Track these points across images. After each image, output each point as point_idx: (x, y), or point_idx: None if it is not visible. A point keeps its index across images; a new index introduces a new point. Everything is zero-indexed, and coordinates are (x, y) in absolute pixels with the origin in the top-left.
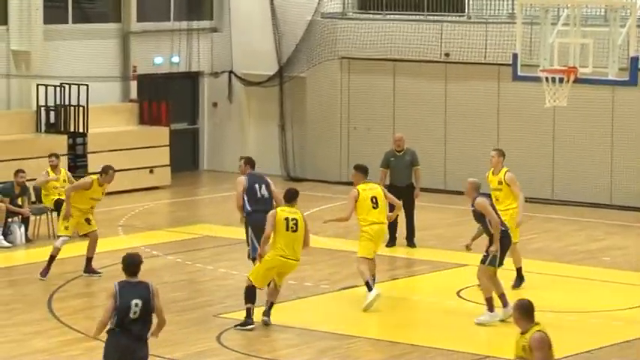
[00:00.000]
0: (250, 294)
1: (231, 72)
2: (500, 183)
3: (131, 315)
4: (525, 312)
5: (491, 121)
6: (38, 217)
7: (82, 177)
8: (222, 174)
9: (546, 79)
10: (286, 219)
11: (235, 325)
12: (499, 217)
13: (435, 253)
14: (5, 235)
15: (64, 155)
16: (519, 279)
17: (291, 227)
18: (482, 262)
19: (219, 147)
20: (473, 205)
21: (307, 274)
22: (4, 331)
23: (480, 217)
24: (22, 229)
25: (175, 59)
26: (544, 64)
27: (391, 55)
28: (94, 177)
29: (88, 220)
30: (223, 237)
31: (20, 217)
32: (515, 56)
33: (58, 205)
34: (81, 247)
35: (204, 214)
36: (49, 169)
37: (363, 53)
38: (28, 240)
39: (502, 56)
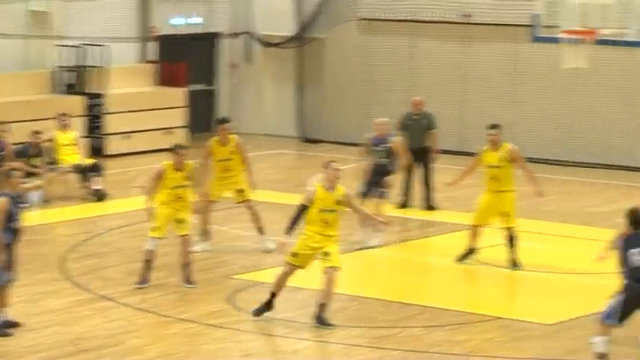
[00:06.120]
0: None
1: (250, 33)
2: (502, 159)
3: None
4: None
5: (510, 83)
6: (53, 177)
7: (99, 138)
8: (239, 135)
9: (566, 40)
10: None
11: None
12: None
13: (449, 215)
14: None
15: (80, 117)
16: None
17: None
18: None
19: (237, 108)
20: None
21: None
22: (17, 291)
23: None
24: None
25: (194, 20)
26: (564, 26)
27: (411, 17)
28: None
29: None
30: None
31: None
32: (535, 17)
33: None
34: (93, 208)
35: None
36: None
37: (383, 14)
38: (44, 200)
39: (522, 18)
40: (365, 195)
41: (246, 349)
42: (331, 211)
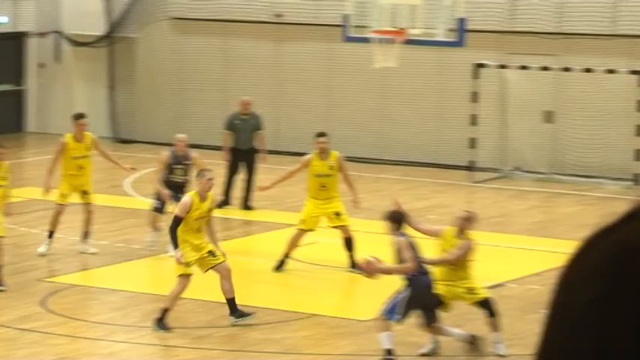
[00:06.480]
0: None
1: (59, 32)
2: (331, 168)
3: None
4: None
5: (324, 82)
6: None
7: None
8: (48, 136)
9: (376, 40)
10: None
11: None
12: None
13: (266, 214)
14: None
15: None
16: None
17: None
18: None
19: (46, 109)
20: None
21: (134, 236)
22: None
23: None
24: None
25: (1, 19)
26: (374, 26)
27: (222, 16)
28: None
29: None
30: (49, 200)
31: None
32: (346, 17)
33: None
34: None
35: (30, 177)
36: None
37: (195, 14)
38: None
39: (333, 17)
40: (160, 210)
41: (60, 352)
42: (204, 217)
